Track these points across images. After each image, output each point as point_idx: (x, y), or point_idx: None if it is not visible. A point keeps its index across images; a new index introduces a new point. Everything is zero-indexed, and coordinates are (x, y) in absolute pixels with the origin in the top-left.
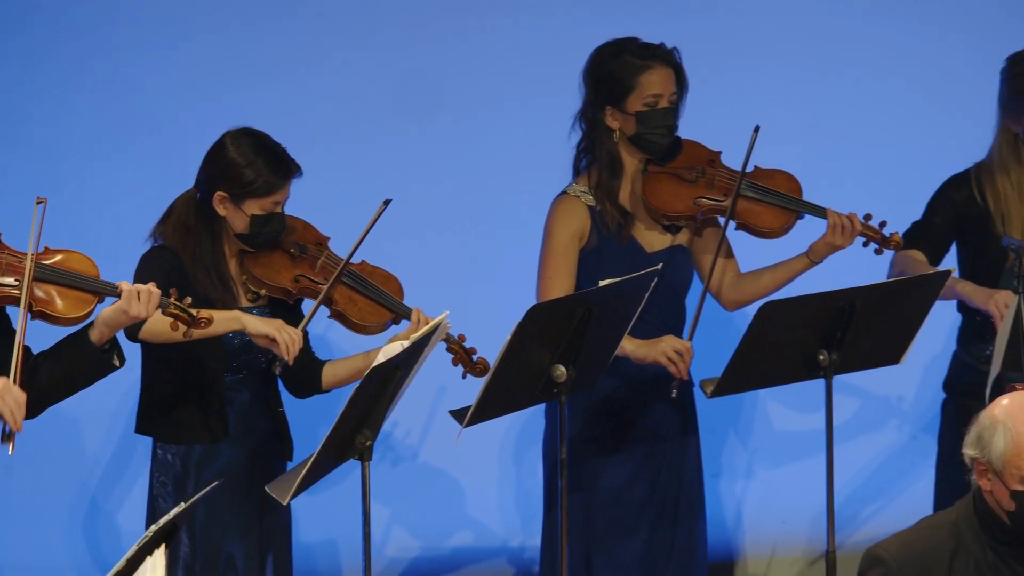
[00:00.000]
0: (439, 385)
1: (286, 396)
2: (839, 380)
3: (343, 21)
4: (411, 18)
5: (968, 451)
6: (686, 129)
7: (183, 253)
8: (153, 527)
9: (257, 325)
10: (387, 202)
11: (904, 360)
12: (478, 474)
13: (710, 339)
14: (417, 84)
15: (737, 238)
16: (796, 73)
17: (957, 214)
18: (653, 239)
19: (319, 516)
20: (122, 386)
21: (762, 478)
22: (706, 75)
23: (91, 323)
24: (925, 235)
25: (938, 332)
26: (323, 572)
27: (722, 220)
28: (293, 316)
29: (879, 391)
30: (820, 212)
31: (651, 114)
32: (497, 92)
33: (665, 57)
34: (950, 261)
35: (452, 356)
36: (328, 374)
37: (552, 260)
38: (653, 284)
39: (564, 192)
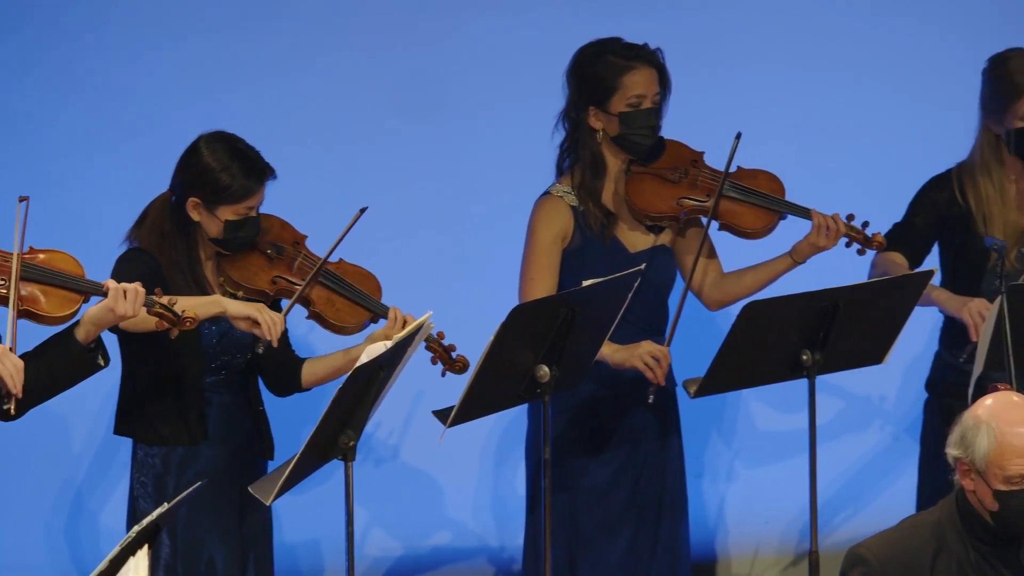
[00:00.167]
0: (418, 385)
1: (267, 395)
2: (822, 380)
3: (329, 23)
4: (397, 20)
5: (951, 451)
6: (670, 128)
7: (159, 256)
8: (136, 528)
9: (238, 307)
10: (363, 210)
11: (887, 360)
12: (459, 474)
13: (693, 339)
14: (402, 85)
15: (720, 238)
16: (780, 71)
17: (939, 215)
18: (636, 239)
19: (302, 516)
20: (105, 386)
21: (745, 478)
22: (690, 73)
23: (76, 322)
24: (906, 237)
25: (919, 332)
26: (306, 572)
27: (705, 221)
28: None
29: (861, 391)
30: (804, 213)
31: (634, 115)
32: (481, 92)
33: (648, 58)
34: (932, 261)
35: (431, 354)
36: (308, 372)
37: (534, 260)
38: (636, 284)
39: (547, 192)
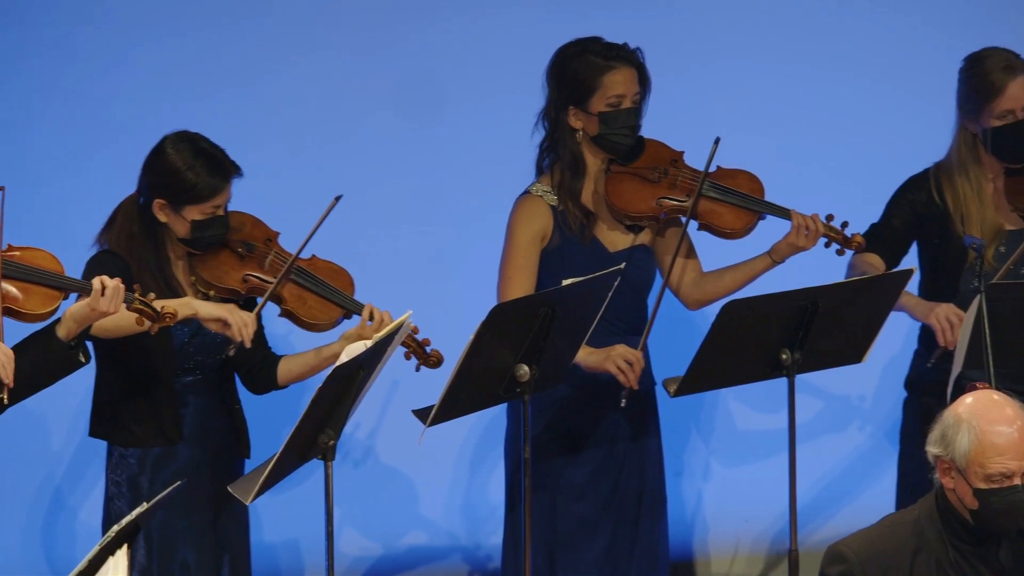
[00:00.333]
0: (393, 383)
1: (244, 393)
2: (801, 380)
3: (307, 23)
4: (376, 20)
5: (932, 449)
6: (648, 125)
7: (129, 259)
8: (115, 527)
9: (209, 309)
10: (338, 198)
11: (866, 359)
12: (434, 474)
13: (672, 338)
14: (382, 85)
15: (700, 237)
16: (758, 67)
17: (916, 215)
18: (616, 239)
19: (282, 516)
20: (84, 385)
21: (724, 477)
22: (668, 71)
23: (58, 320)
24: (882, 238)
25: (898, 331)
26: (285, 571)
27: (684, 220)
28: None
29: (841, 390)
30: (783, 213)
31: (614, 115)
32: (462, 91)
33: (628, 57)
34: (911, 261)
35: (405, 349)
36: (283, 370)
37: (513, 260)
38: (616, 283)
39: (527, 191)
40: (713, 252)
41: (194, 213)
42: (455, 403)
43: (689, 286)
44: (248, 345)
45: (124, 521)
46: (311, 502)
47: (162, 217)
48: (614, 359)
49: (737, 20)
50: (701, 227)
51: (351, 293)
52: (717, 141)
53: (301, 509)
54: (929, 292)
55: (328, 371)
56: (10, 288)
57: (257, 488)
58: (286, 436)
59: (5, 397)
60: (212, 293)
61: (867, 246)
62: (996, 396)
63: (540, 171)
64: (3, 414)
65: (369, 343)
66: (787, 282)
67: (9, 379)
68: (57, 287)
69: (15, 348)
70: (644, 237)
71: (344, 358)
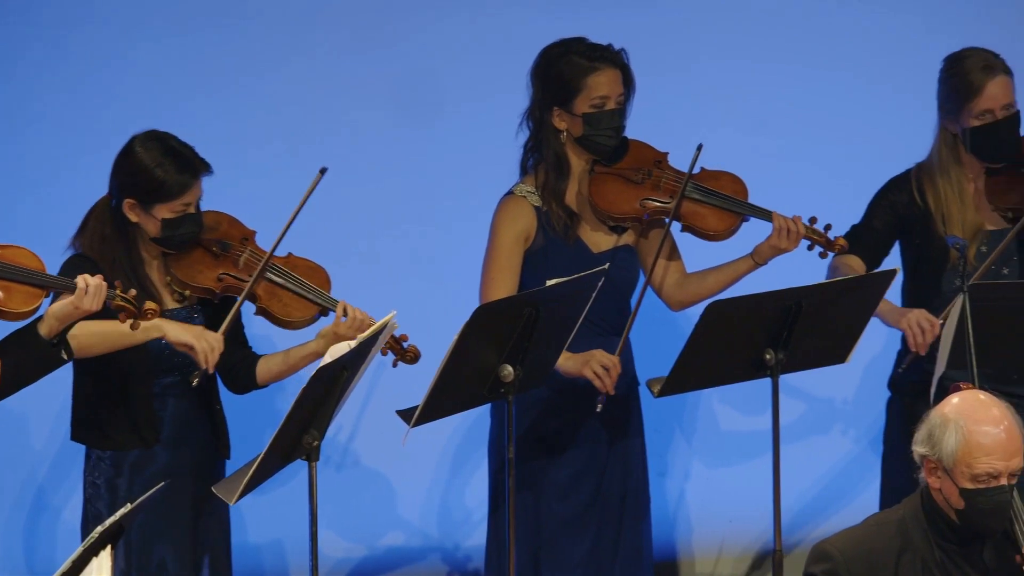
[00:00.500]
0: (372, 383)
1: (226, 394)
2: (784, 382)
3: (295, 24)
4: (361, 21)
5: (918, 448)
6: (631, 124)
7: (101, 262)
8: (99, 528)
9: (177, 333)
10: (323, 171)
11: (850, 359)
12: (413, 475)
13: (656, 338)
14: (367, 86)
15: (683, 238)
16: (741, 66)
17: (897, 216)
18: (599, 239)
19: (266, 517)
20: (67, 385)
21: (708, 477)
22: (650, 71)
23: (40, 318)
24: (863, 240)
25: (880, 331)
26: (269, 573)
27: (667, 221)
28: (225, 313)
29: (824, 390)
30: (765, 215)
31: (598, 116)
32: (447, 92)
33: (612, 58)
34: (893, 261)
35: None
36: (262, 369)
37: (496, 261)
38: (600, 284)
39: (510, 192)
40: (696, 253)
41: (164, 211)
42: (439, 404)
43: (672, 287)
44: (211, 371)
45: (108, 522)
46: (295, 503)
47: (133, 217)
48: (591, 364)
49: (733, 20)
50: (684, 228)
51: (327, 290)
52: (700, 148)
53: (285, 510)
54: (911, 292)
55: (311, 371)
56: None
57: (241, 489)
58: (267, 436)
59: None
60: (187, 292)
61: (848, 248)
62: (983, 396)
63: (524, 171)
64: None
65: (353, 343)
66: (771, 283)
67: None
68: (39, 285)
69: None
70: (628, 238)
71: (328, 359)
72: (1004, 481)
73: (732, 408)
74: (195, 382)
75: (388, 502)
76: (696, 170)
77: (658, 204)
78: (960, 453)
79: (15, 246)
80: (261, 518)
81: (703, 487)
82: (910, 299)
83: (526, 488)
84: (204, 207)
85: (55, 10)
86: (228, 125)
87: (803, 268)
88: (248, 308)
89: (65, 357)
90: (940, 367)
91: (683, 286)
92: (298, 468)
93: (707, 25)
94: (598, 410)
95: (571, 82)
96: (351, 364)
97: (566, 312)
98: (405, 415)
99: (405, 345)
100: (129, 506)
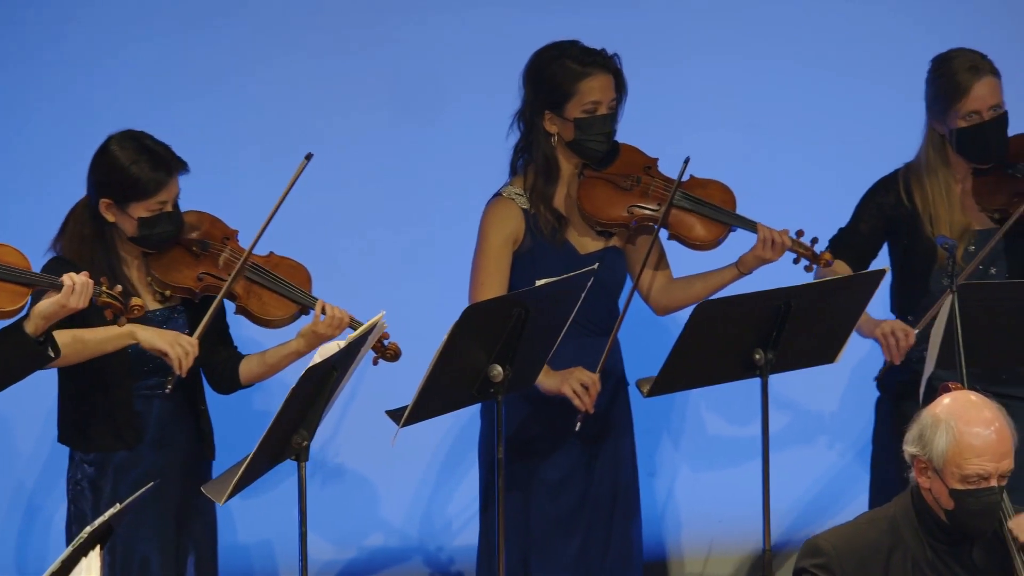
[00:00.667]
0: (355, 383)
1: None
2: (773, 383)
3: (279, 25)
4: (350, 21)
5: (909, 448)
6: (633, 120)
7: (80, 263)
8: (88, 528)
9: (150, 339)
10: (308, 156)
11: (839, 359)
12: (401, 476)
13: (645, 339)
14: (356, 86)
15: (670, 244)
16: (728, 65)
17: (885, 217)
18: (587, 242)
19: (256, 518)
20: (56, 388)
21: (698, 478)
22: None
23: (26, 316)
24: (850, 244)
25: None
26: (259, 573)
27: (655, 228)
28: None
29: (812, 390)
30: (750, 226)
31: (590, 121)
32: (437, 92)
33: (605, 63)
34: (882, 261)
35: None
36: (245, 369)
37: (485, 263)
38: (589, 284)
39: (498, 194)
40: (681, 259)
41: (140, 210)
42: (428, 404)
43: (658, 292)
44: (185, 375)
45: (97, 522)
46: (285, 504)
47: (110, 217)
48: (570, 383)
49: (724, 19)
50: (671, 237)
51: (308, 289)
52: (687, 161)
53: (274, 511)
54: (900, 292)
55: (294, 371)
56: None
57: (230, 489)
58: (248, 437)
59: None
60: (168, 292)
61: (835, 251)
62: (974, 397)
63: (513, 171)
64: None
65: (343, 343)
66: (760, 283)
67: None
68: (25, 283)
69: None
70: (616, 240)
71: (317, 359)
72: (994, 483)
73: (721, 409)
74: (169, 388)
75: (375, 504)
76: (685, 177)
77: (646, 211)
78: (950, 454)
79: (0, 244)
80: (250, 519)
81: (692, 487)
82: (899, 299)
83: (516, 488)
84: (196, 207)
85: (50, 11)
86: (222, 125)
87: (793, 270)
88: (229, 307)
89: (52, 355)
90: (929, 367)
91: (669, 292)
92: (287, 470)
93: (696, 24)
94: (576, 428)
95: (563, 86)
96: (340, 364)
97: (555, 312)
98: (394, 415)
99: (386, 343)
100: (119, 506)
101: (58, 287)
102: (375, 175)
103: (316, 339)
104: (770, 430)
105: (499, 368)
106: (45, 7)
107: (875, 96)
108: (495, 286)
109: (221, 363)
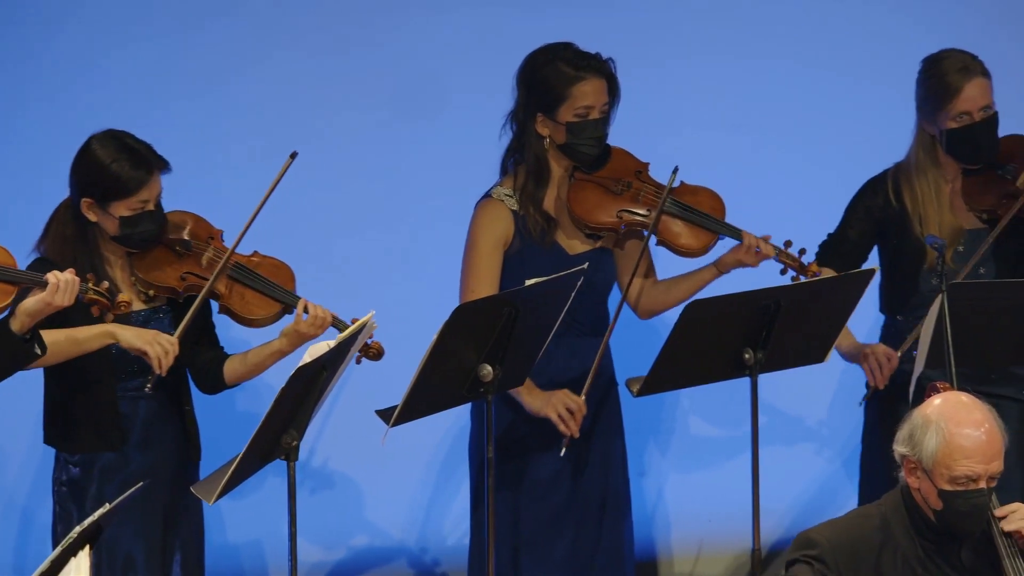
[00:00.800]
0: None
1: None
2: (763, 383)
3: (273, 24)
4: (341, 20)
5: (899, 448)
6: (626, 118)
7: (64, 264)
8: (77, 528)
9: (129, 339)
10: (293, 155)
11: (828, 358)
12: (389, 477)
13: (635, 338)
14: (348, 86)
15: (654, 248)
16: (717, 63)
17: (873, 220)
18: (576, 244)
19: (246, 517)
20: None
21: (688, 478)
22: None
23: (11, 313)
24: (839, 251)
25: (858, 332)
26: (248, 573)
27: (645, 234)
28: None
29: (801, 391)
30: (737, 234)
31: (582, 125)
32: (428, 92)
33: (599, 68)
34: (872, 261)
35: None
36: (229, 369)
37: (476, 264)
38: (579, 284)
39: (488, 195)
40: (660, 261)
41: (121, 209)
42: (418, 403)
43: (641, 297)
44: (164, 375)
45: (87, 522)
46: (274, 503)
47: (92, 216)
48: (555, 406)
49: (723, 19)
50: (659, 243)
51: (292, 288)
52: (676, 170)
53: (264, 511)
54: (889, 292)
55: (278, 370)
56: None
57: (220, 489)
58: (237, 437)
59: None
60: (152, 292)
61: (825, 259)
62: (965, 398)
63: (504, 171)
64: None
65: (332, 343)
66: (748, 283)
67: None
68: (10, 281)
69: None
70: (604, 242)
71: (307, 358)
72: (983, 484)
73: (711, 409)
74: (149, 388)
75: (365, 505)
76: (675, 184)
77: (636, 217)
78: (940, 454)
79: None
80: (240, 519)
81: (682, 487)
82: (888, 298)
83: (506, 487)
84: (192, 207)
85: (45, 11)
86: (218, 125)
87: (779, 276)
88: (214, 307)
89: (39, 352)
90: (919, 367)
91: (650, 296)
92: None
93: (692, 24)
94: (562, 454)
95: (556, 90)
96: (330, 364)
97: (545, 312)
98: (384, 415)
99: (369, 341)
100: (108, 506)
101: (43, 285)
102: (367, 175)
103: (298, 338)
104: (759, 430)
105: (489, 368)
106: (39, 8)
107: (873, 96)
108: (486, 288)
109: (206, 363)
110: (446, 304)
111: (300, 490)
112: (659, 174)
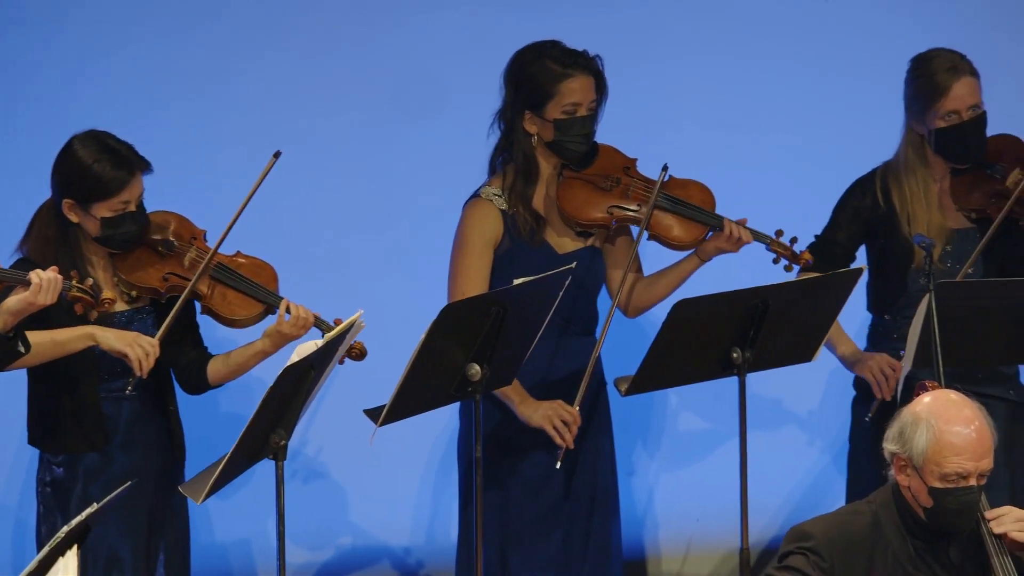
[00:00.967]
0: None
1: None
2: (751, 382)
3: (261, 26)
4: (329, 21)
5: (889, 446)
6: (622, 118)
7: (46, 265)
8: (65, 528)
9: (110, 341)
10: (277, 155)
11: (816, 358)
12: (378, 477)
13: (623, 337)
14: (337, 87)
15: (646, 244)
16: (709, 62)
17: (862, 220)
18: (565, 242)
19: (234, 516)
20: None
21: (677, 476)
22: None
23: None
24: (827, 254)
25: (846, 331)
26: (236, 573)
27: (634, 230)
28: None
29: (789, 390)
30: (717, 222)
31: (570, 122)
32: (418, 92)
33: (586, 65)
34: (860, 259)
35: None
36: (212, 369)
37: (466, 264)
38: (567, 283)
39: (476, 195)
40: (646, 256)
41: (103, 210)
42: (406, 402)
43: (631, 294)
44: (145, 377)
45: (74, 522)
46: (262, 503)
47: (73, 217)
48: (550, 418)
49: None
50: (651, 237)
51: (274, 288)
52: (665, 168)
53: (252, 510)
54: (877, 291)
55: (262, 370)
56: None
57: (208, 488)
58: (221, 438)
59: None
60: (134, 293)
61: (813, 261)
62: (955, 396)
63: (492, 171)
64: None
65: (320, 343)
66: (738, 282)
67: None
68: None
69: None
70: (594, 240)
71: (295, 358)
72: (973, 482)
73: (699, 408)
74: (130, 389)
75: (350, 505)
76: (665, 178)
77: (627, 213)
78: (930, 452)
79: None
80: (228, 518)
81: (671, 486)
82: (876, 297)
83: (495, 486)
84: (185, 208)
85: (41, 13)
86: (213, 126)
87: (773, 269)
88: (197, 307)
89: (22, 351)
90: (907, 365)
91: (638, 292)
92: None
93: (685, 22)
94: (557, 467)
95: (544, 87)
96: (318, 363)
97: (534, 311)
98: (372, 414)
99: (352, 341)
100: (95, 506)
101: (26, 284)
102: (356, 174)
103: (281, 339)
104: (748, 429)
105: (477, 367)
106: (34, 9)
107: (871, 95)
108: (475, 288)
109: (189, 363)
110: (435, 304)
111: (287, 490)
112: (649, 171)
